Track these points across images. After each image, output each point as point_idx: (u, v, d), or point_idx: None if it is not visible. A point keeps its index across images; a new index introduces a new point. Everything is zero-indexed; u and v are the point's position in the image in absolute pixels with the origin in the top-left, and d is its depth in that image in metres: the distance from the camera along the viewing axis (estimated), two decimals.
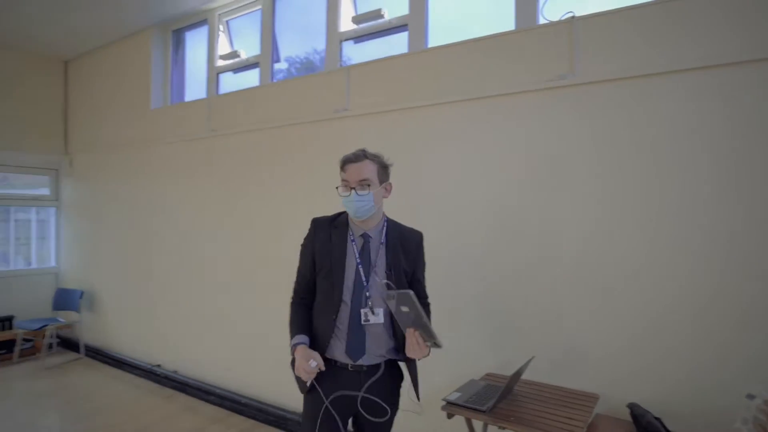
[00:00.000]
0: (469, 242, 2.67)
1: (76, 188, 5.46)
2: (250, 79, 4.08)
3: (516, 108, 2.53)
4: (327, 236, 1.75)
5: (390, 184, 1.78)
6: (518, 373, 2.12)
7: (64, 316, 5.18)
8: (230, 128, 3.83)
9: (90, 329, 5.11)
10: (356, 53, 3.48)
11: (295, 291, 1.83)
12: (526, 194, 2.49)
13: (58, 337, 5.29)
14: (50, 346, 5.15)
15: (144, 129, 4.61)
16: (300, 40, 3.90)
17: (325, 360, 1.67)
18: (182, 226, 4.24)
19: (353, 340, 1.67)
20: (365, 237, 1.73)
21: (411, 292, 1.47)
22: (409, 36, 3.11)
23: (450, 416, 2.04)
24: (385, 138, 2.99)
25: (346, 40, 3.45)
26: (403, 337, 1.62)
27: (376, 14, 3.22)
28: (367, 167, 1.68)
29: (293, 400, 3.26)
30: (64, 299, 5.15)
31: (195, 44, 4.60)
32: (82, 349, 5.05)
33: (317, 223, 1.81)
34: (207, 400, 3.85)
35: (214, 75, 4.24)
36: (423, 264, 1.87)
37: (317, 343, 1.70)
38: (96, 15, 4.28)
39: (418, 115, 2.87)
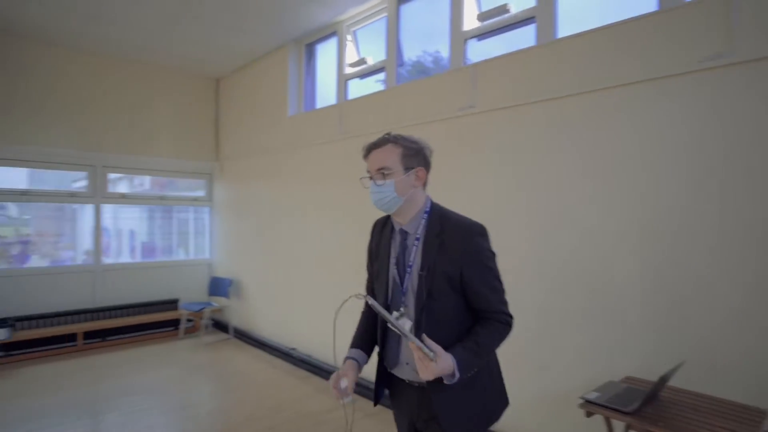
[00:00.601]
0: (606, 239, 2.54)
1: (225, 190, 6.24)
2: (372, 84, 4.33)
3: (663, 93, 2.35)
4: (379, 237, 1.65)
5: (422, 169, 1.52)
6: (665, 379, 1.98)
7: (217, 301, 5.95)
8: (360, 131, 4.09)
9: (237, 313, 5.81)
10: (473, 52, 3.50)
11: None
12: (672, 188, 2.31)
13: (212, 319, 6.09)
14: (206, 326, 5.96)
15: (282, 135, 5.12)
16: (411, 44, 4.04)
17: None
18: (316, 222, 4.62)
19: (389, 346, 1.56)
20: (402, 233, 1.55)
21: (368, 298, 1.34)
22: (536, 28, 3.05)
23: (589, 415, 1.98)
24: (515, 133, 2.97)
25: (470, 38, 3.49)
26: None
27: (502, 9, 3.21)
28: (389, 153, 1.48)
29: None
30: (217, 286, 5.94)
31: (323, 55, 5.00)
32: (231, 331, 5.76)
33: (374, 225, 1.72)
34: None
35: (343, 82, 4.56)
36: (484, 267, 1.46)
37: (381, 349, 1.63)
38: (244, 37, 4.87)
39: (549, 107, 2.80)
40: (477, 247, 1.44)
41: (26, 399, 3.83)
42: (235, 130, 6.06)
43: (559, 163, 2.75)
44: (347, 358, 1.60)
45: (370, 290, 1.70)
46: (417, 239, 1.50)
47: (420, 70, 4.04)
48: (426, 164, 1.54)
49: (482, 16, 3.35)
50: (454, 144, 3.32)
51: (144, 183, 6.46)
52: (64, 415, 3.54)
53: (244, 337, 5.59)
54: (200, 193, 6.48)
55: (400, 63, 4.07)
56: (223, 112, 6.31)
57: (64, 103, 5.20)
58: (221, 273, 6.15)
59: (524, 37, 3.18)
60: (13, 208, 5.47)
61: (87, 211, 5.63)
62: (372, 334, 1.66)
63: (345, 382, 1.49)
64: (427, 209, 1.53)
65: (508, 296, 1.52)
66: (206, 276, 6.33)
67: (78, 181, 5.68)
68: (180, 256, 6.46)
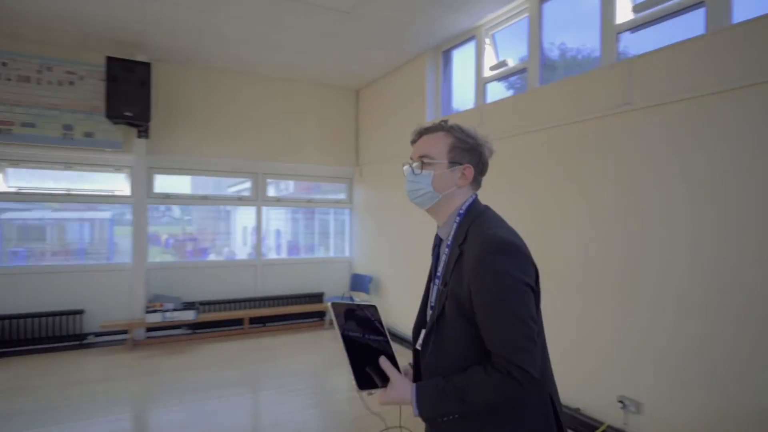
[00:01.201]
0: None
1: (364, 193, 6.69)
2: (498, 86, 4.32)
3: None
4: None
5: (470, 167, 1.29)
6: None
7: (358, 297, 6.40)
8: (500, 134, 4.11)
9: None
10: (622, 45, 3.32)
11: None
12: None
13: None
14: None
15: None
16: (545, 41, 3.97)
17: None
18: None
19: (415, 369, 1.33)
20: (437, 237, 1.37)
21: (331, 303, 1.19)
22: (706, 14, 2.80)
23: None
24: (677, 130, 2.77)
25: (623, 31, 3.31)
26: None
27: None
28: (437, 141, 1.29)
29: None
30: (358, 282, 6.40)
31: (459, 60, 5.10)
32: None
33: None
34: None
35: (482, 85, 4.62)
36: (493, 295, 1.10)
37: None
38: (384, 50, 5.20)
39: (722, 100, 2.56)
40: (490, 267, 1.11)
41: (209, 371, 4.56)
42: (373, 136, 6.47)
43: (730, 167, 2.49)
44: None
45: None
46: (448, 246, 1.28)
47: (548, 66, 3.96)
48: (479, 164, 1.31)
49: (638, 8, 3.16)
50: (606, 144, 3.19)
51: (288, 187, 7.19)
52: (236, 387, 4.16)
53: None
54: (341, 196, 7.03)
55: (542, 62, 4.00)
56: (363, 120, 6.78)
57: (234, 119, 6.06)
58: (361, 270, 6.60)
59: (687, 26, 2.95)
60: (176, 211, 6.51)
61: (239, 213, 6.49)
62: None
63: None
64: (461, 211, 1.28)
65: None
66: (347, 273, 6.85)
67: (231, 186, 6.57)
68: (322, 254, 7.08)
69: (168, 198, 5.85)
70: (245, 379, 4.38)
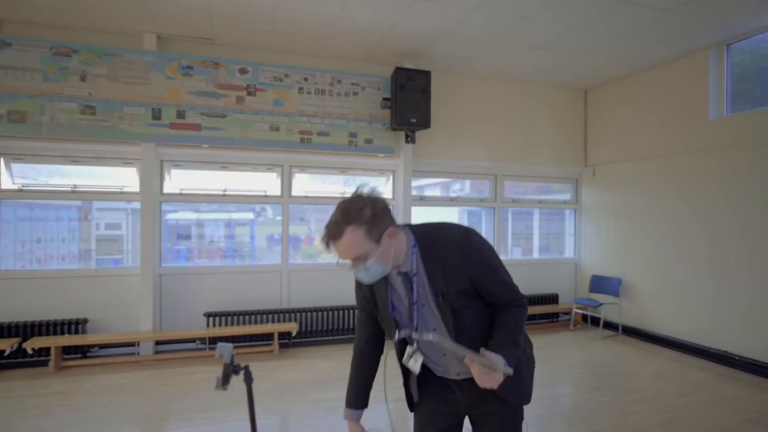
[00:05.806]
0: None
1: (598, 194, 6.59)
2: None
3: None
4: (369, 285, 1.61)
5: (393, 229, 1.42)
6: None
7: (599, 298, 6.30)
8: None
9: (625, 311, 6.08)
10: None
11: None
12: None
13: (583, 314, 6.51)
14: (584, 319, 6.39)
15: (699, 139, 5.18)
16: None
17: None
18: (718, 227, 4.54)
19: (434, 362, 1.70)
20: (401, 275, 1.54)
21: (428, 336, 1.37)
22: None
23: None
24: None
25: None
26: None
27: None
28: (352, 240, 1.37)
29: None
30: (600, 285, 6.29)
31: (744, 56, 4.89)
32: (619, 329, 6.05)
33: None
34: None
35: None
36: (488, 269, 1.49)
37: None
38: (617, 50, 5.18)
39: None
40: (476, 254, 1.48)
41: None
42: (608, 136, 6.37)
43: None
44: (348, 420, 1.71)
45: (368, 330, 1.73)
46: (415, 274, 1.52)
47: None
48: (389, 218, 1.44)
49: None
50: None
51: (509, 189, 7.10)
52: None
53: (634, 333, 5.85)
54: (566, 197, 6.99)
55: None
56: (593, 120, 6.69)
57: (475, 123, 6.24)
58: (599, 271, 6.48)
59: None
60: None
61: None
62: (366, 378, 1.73)
63: None
64: (414, 243, 1.51)
65: None
66: (572, 273, 6.81)
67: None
68: (538, 255, 6.95)
69: (422, 200, 6.15)
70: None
